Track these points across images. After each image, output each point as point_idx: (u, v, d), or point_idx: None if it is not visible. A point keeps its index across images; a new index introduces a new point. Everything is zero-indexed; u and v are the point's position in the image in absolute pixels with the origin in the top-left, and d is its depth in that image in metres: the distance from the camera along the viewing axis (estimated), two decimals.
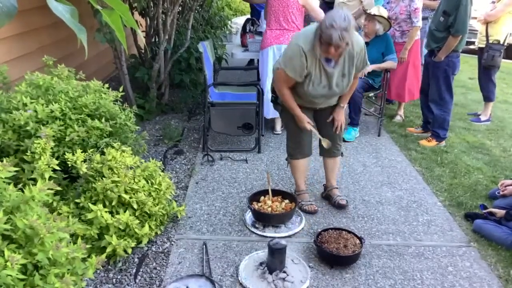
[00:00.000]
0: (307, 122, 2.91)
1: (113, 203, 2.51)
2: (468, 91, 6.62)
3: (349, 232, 2.74)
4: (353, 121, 4.52)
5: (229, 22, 7.64)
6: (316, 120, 3.08)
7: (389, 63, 4.43)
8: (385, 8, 5.26)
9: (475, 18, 5.26)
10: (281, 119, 3.18)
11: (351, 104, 4.42)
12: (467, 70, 7.66)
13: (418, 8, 4.49)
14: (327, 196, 3.30)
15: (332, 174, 3.26)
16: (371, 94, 4.68)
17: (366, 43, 4.47)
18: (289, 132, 3.15)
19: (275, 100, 3.07)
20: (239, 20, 7.56)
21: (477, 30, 5.30)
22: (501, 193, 3.20)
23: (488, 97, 5.13)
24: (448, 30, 3.94)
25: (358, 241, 2.65)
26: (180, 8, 5.24)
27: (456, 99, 5.55)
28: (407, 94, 4.89)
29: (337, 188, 3.28)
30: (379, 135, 4.60)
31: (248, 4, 8.53)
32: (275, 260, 2.43)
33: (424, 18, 4.83)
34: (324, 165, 3.29)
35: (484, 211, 3.09)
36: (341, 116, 3.05)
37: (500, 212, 2.97)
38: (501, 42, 4.79)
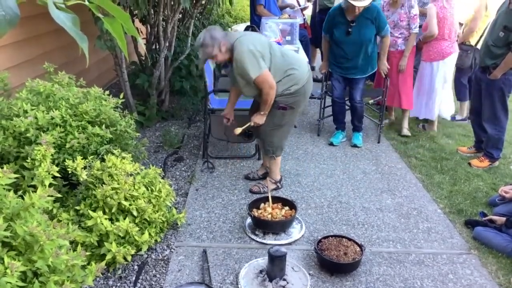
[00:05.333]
0: (225, 114, 3.52)
1: (113, 210, 2.51)
2: None
3: (350, 239, 2.73)
4: (358, 128, 4.53)
5: (229, 29, 7.66)
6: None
7: (387, 41, 4.29)
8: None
9: (460, 23, 5.27)
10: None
11: (355, 113, 4.44)
12: None
13: (417, 15, 4.45)
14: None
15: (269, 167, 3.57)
16: (371, 101, 4.68)
17: (352, 22, 4.09)
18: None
19: None
20: (239, 27, 7.58)
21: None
22: (504, 194, 3.17)
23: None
24: (508, 46, 3.67)
25: (358, 249, 2.65)
26: (180, 16, 5.26)
27: (456, 107, 5.57)
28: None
29: (268, 179, 3.51)
30: (378, 142, 4.60)
31: (248, 12, 8.57)
32: (275, 267, 2.42)
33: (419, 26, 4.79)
34: None
35: (484, 218, 3.09)
36: (256, 118, 3.25)
37: (500, 220, 2.96)
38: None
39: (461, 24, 5.14)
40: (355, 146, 4.43)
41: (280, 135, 3.34)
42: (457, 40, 4.80)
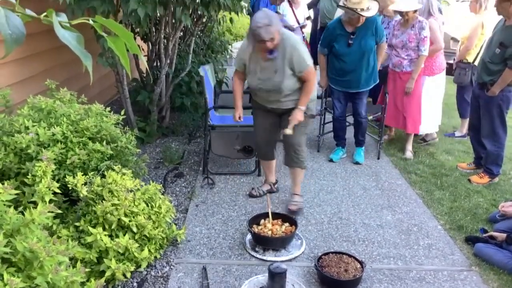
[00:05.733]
0: (238, 113, 3.41)
1: (113, 226, 2.50)
2: None
3: (350, 256, 2.72)
4: (361, 143, 4.54)
5: (230, 46, 7.75)
6: (280, 125, 3.39)
7: (383, 50, 4.34)
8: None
9: (457, 40, 5.35)
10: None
11: (359, 128, 4.45)
12: None
13: (427, 37, 4.31)
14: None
15: (294, 182, 3.56)
16: (370, 117, 4.68)
17: (353, 33, 4.09)
18: None
19: None
20: (240, 45, 7.69)
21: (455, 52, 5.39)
22: (503, 210, 3.17)
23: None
24: (505, 62, 3.67)
25: (359, 265, 2.64)
26: (181, 33, 5.33)
27: (456, 122, 5.60)
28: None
29: (297, 195, 3.52)
30: (378, 158, 4.61)
31: (248, 29, 8.70)
32: (275, 284, 2.40)
33: None
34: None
35: (484, 235, 3.08)
36: (297, 115, 3.18)
37: (501, 236, 2.95)
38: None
39: (457, 41, 5.21)
40: (357, 163, 4.43)
41: (305, 144, 3.46)
42: (454, 58, 4.86)
